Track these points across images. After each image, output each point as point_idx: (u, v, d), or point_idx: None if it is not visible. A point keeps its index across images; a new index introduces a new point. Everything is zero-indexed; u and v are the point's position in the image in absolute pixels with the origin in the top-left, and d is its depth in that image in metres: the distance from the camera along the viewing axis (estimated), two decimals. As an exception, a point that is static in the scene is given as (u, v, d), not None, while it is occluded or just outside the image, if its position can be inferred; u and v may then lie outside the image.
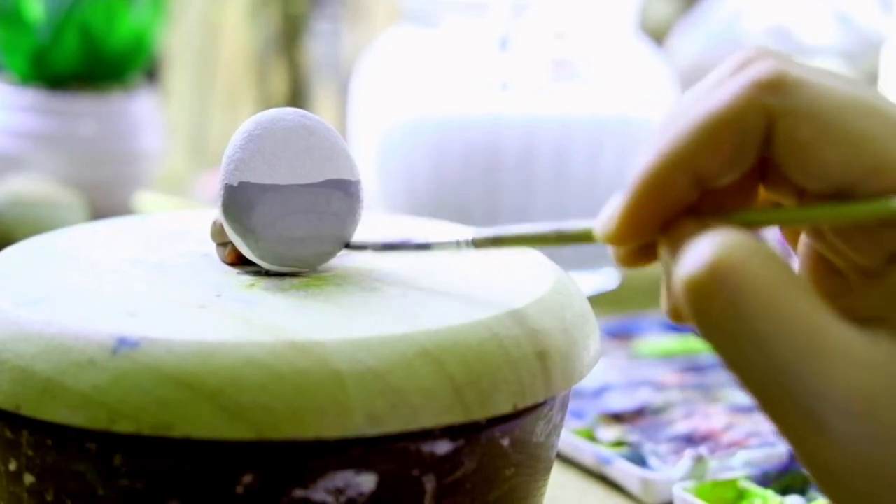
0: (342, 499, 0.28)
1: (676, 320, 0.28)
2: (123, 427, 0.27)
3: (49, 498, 0.29)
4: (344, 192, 0.34)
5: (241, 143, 0.34)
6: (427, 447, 0.29)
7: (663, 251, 0.27)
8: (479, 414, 0.29)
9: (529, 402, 0.30)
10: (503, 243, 0.30)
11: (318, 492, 0.28)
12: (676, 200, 0.26)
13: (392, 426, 0.28)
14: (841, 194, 0.25)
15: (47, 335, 0.29)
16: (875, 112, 0.25)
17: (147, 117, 0.92)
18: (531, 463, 0.32)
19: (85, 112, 0.88)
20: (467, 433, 0.30)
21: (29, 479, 0.29)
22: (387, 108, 0.73)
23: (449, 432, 0.29)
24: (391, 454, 0.29)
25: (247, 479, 0.28)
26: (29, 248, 0.37)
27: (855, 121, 0.25)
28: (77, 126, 0.88)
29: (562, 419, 0.34)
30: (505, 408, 0.30)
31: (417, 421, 0.28)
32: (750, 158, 0.26)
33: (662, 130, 0.26)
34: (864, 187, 0.25)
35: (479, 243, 0.31)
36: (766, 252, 0.24)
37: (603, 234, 0.27)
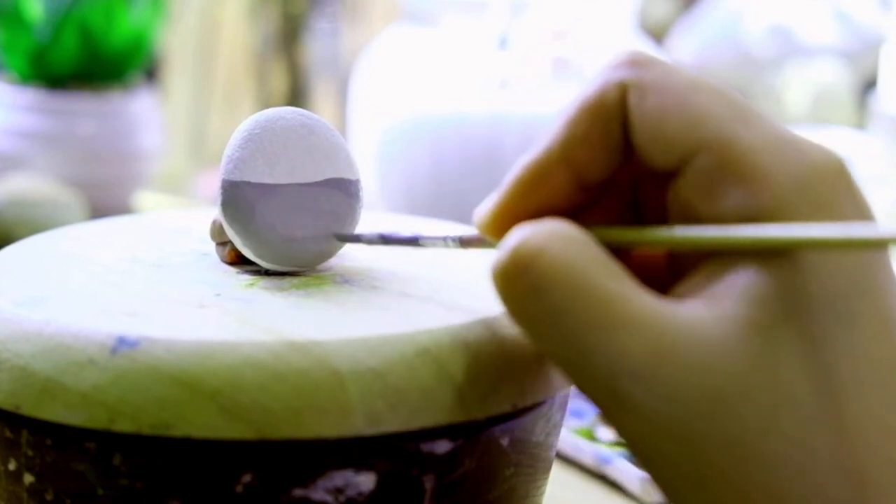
0: (342, 498, 0.28)
1: None
2: (123, 427, 0.27)
3: (49, 497, 0.29)
4: (344, 192, 0.34)
5: (240, 142, 0.34)
6: (427, 447, 0.29)
7: None
8: (479, 413, 0.29)
9: (529, 401, 0.30)
10: (489, 244, 0.30)
11: (318, 491, 0.28)
12: (552, 195, 0.28)
13: (392, 426, 0.28)
14: (678, 168, 0.26)
15: (46, 334, 0.29)
16: (714, 93, 0.27)
17: (146, 116, 0.92)
18: (531, 462, 0.32)
19: (84, 111, 0.88)
20: (467, 433, 0.30)
21: (28, 478, 0.29)
22: (386, 106, 0.73)
23: (449, 432, 0.29)
24: (391, 454, 0.29)
25: (246, 478, 0.28)
26: (28, 248, 0.37)
27: (696, 97, 0.26)
28: (76, 125, 0.88)
29: (561, 418, 0.34)
30: (504, 407, 0.30)
31: (417, 420, 0.28)
32: (617, 141, 0.27)
33: (547, 130, 0.28)
34: (697, 161, 0.26)
35: (465, 242, 0.31)
36: (572, 234, 0.26)
37: (477, 221, 0.29)
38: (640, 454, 0.25)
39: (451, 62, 0.72)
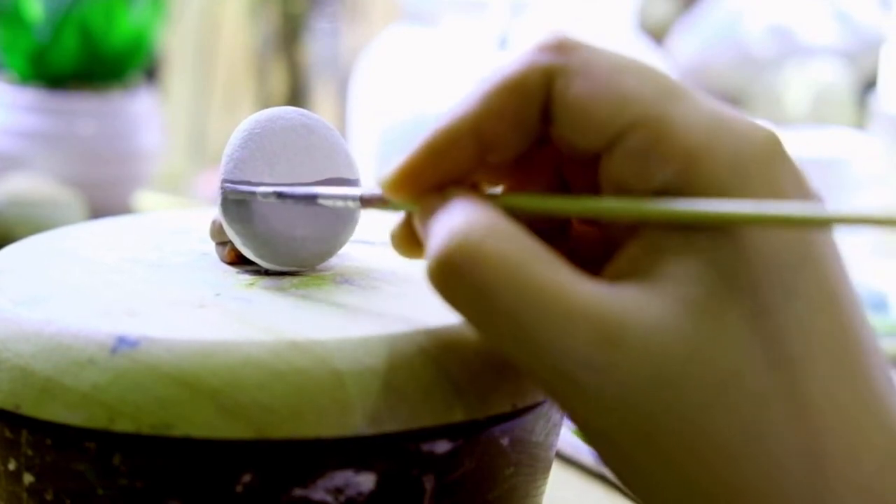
0: (342, 498, 0.28)
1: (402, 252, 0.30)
2: (123, 426, 0.27)
3: (48, 497, 0.29)
4: (343, 192, 0.34)
5: (240, 141, 0.34)
6: (426, 446, 0.29)
7: (415, 219, 0.28)
8: (479, 413, 0.29)
9: (529, 401, 0.30)
10: (391, 206, 0.29)
11: (318, 491, 0.28)
12: (458, 164, 0.27)
13: (392, 426, 0.28)
14: (604, 150, 0.26)
15: (46, 334, 0.29)
16: (642, 73, 0.26)
17: (146, 116, 0.92)
18: (530, 462, 0.32)
19: (84, 111, 0.88)
20: (467, 432, 0.30)
21: (28, 478, 0.29)
22: (386, 106, 0.73)
23: (448, 432, 0.29)
24: (391, 454, 0.29)
25: (246, 478, 0.28)
26: (28, 247, 0.37)
27: (623, 78, 0.26)
28: (76, 125, 0.88)
29: (561, 418, 0.34)
30: (504, 407, 0.30)
31: (417, 420, 0.28)
32: (532, 123, 0.27)
33: (459, 99, 0.28)
34: (626, 141, 0.26)
35: (366, 202, 0.30)
36: (503, 228, 0.25)
37: (381, 180, 0.28)
38: (594, 441, 0.25)
39: (451, 62, 0.72)
